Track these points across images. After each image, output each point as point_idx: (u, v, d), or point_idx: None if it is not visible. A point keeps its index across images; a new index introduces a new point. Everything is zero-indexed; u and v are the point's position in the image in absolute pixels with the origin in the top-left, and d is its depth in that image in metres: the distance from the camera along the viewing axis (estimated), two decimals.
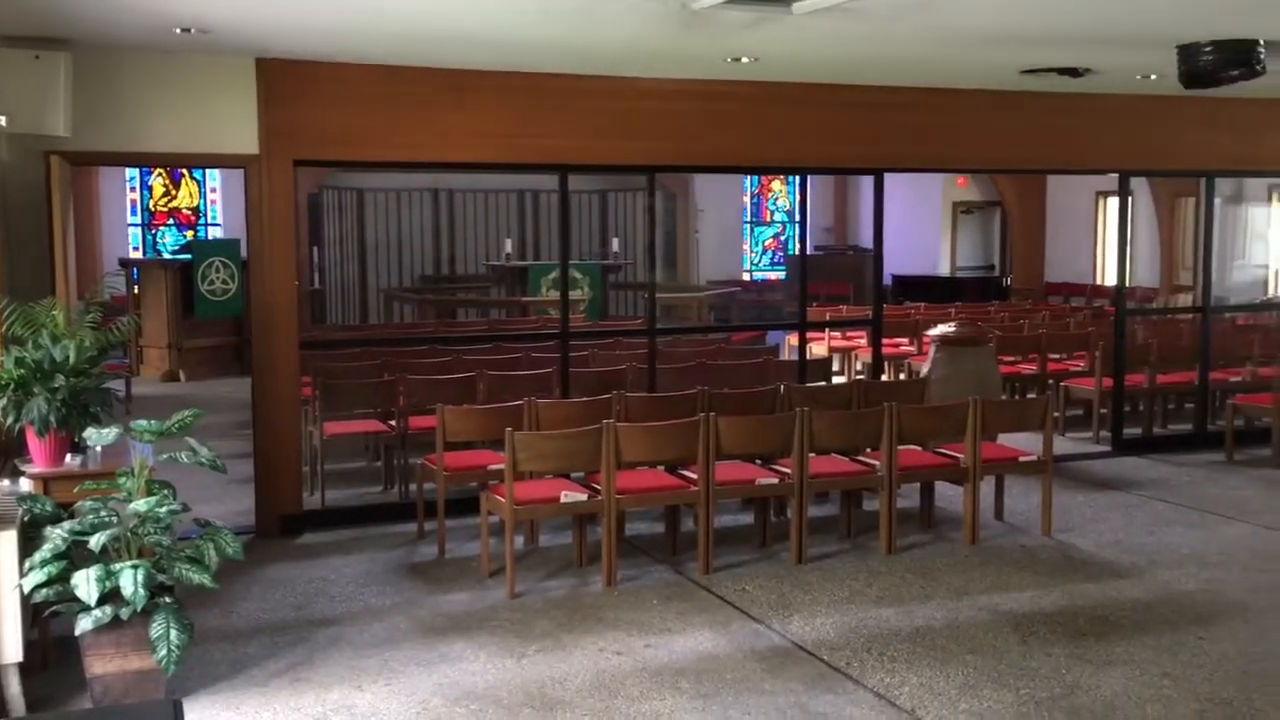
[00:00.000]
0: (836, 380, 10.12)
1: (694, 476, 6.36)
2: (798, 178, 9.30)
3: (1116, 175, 9.49)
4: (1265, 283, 14.83)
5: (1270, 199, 14.75)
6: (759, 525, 6.86)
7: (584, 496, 6.13)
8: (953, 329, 9.19)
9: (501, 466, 6.08)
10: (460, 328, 12.99)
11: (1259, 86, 7.78)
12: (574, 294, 13.75)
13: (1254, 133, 9.38)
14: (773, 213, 21.03)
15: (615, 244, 16.69)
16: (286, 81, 6.96)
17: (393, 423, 7.89)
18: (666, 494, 6.41)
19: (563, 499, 6.10)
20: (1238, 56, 6.45)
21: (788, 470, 6.54)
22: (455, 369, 8.32)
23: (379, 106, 7.18)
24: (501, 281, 15.72)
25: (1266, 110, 9.26)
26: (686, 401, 7.12)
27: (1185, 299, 14.33)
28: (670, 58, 7.02)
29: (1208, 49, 6.46)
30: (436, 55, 6.92)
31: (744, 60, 7.08)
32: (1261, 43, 6.42)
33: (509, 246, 16.03)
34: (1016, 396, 10.21)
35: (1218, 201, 10.56)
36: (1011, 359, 10.92)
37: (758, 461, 6.91)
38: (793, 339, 9.57)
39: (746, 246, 20.71)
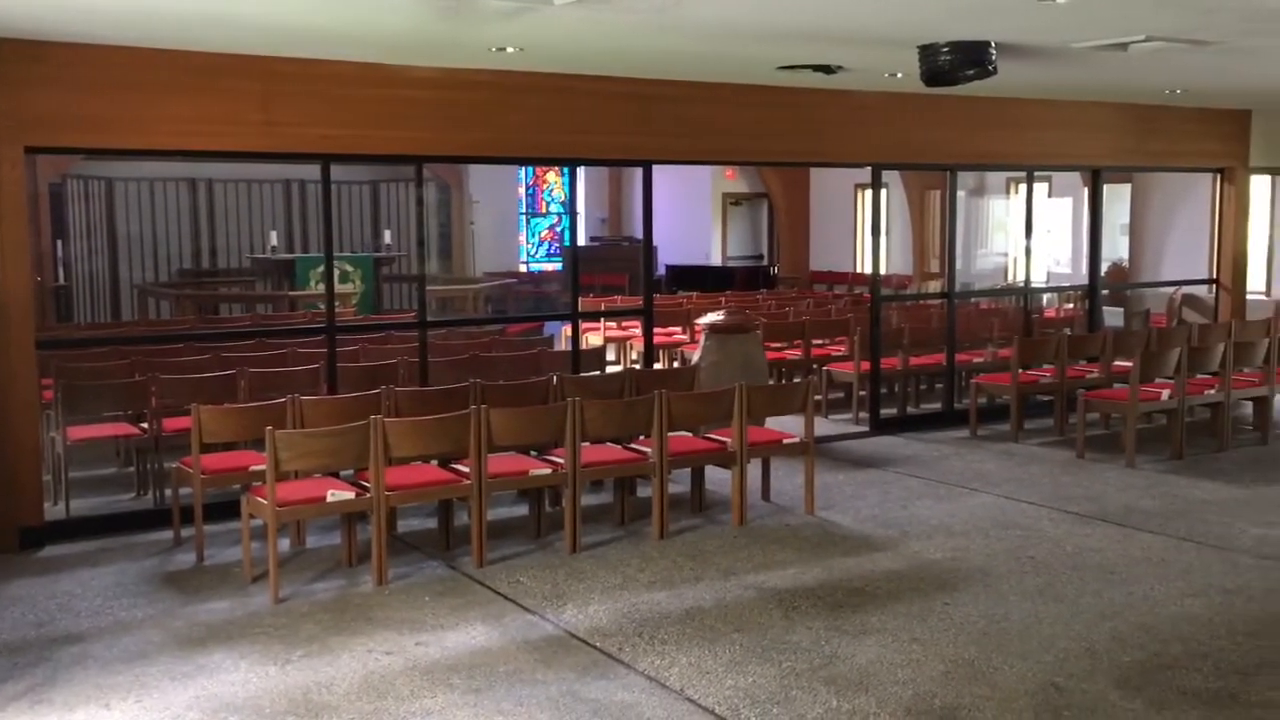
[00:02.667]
0: (612, 369, 10.22)
1: (467, 470, 6.30)
2: (570, 169, 9.31)
3: (870, 168, 9.97)
4: (1005, 269, 15.93)
5: (1009, 191, 15.84)
6: (534, 516, 6.86)
7: (352, 494, 5.97)
8: (721, 317, 9.45)
9: (264, 467, 5.85)
10: (221, 323, 12.40)
11: (994, 85, 8.34)
12: (345, 287, 13.42)
13: (991, 129, 10.04)
14: (548, 204, 21.08)
15: (388, 235, 16.35)
16: (16, 62, 6.45)
17: (144, 425, 7.47)
18: (438, 489, 6.32)
19: (329, 498, 5.92)
20: (972, 57, 6.89)
21: (561, 460, 6.57)
22: (214, 367, 7.95)
23: (124, 91, 6.76)
24: (267, 275, 15.12)
25: (1001, 108, 9.93)
26: (458, 394, 7.05)
27: (936, 286, 15.24)
28: (435, 46, 6.90)
29: (945, 50, 6.87)
30: (189, 38, 6.56)
31: (509, 50, 7.04)
32: (993, 44, 6.88)
33: (274, 239, 15.44)
34: (783, 381, 10.60)
35: (961, 194, 11.25)
36: (778, 345, 11.32)
37: (532, 453, 6.92)
38: (569, 330, 9.62)
39: (523, 238, 20.69)
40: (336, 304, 8.17)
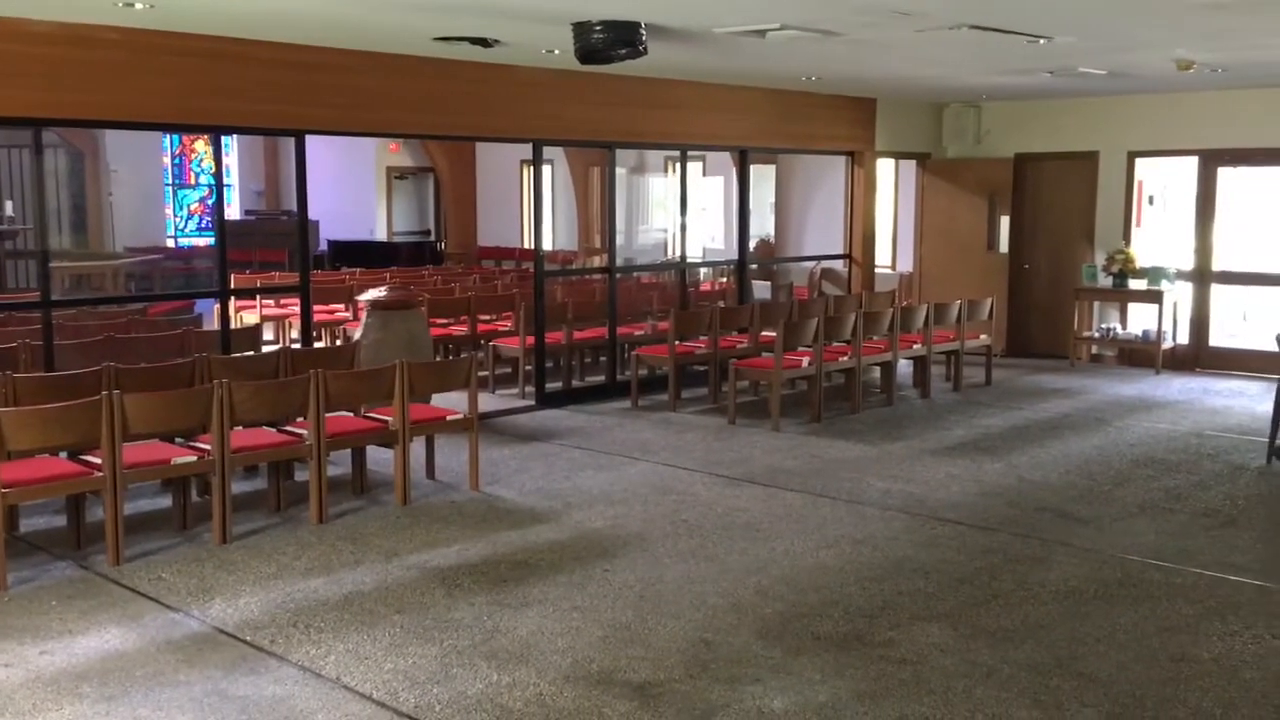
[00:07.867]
0: (270, 349, 9.75)
1: (100, 461, 5.80)
2: (216, 138, 8.76)
3: (532, 144, 10.02)
4: (665, 245, 16.55)
5: (666, 170, 16.45)
6: (178, 507, 6.43)
7: None
8: (384, 293, 9.23)
9: None
10: None
11: (650, 66, 8.60)
12: None
13: (648, 109, 10.36)
14: (197, 175, 19.81)
15: (9, 207, 14.81)
16: None
17: None
18: (65, 483, 5.77)
19: None
20: (623, 36, 7.06)
21: (208, 446, 6.19)
22: None
23: None
24: None
25: (658, 88, 10.26)
26: (89, 380, 6.48)
27: (599, 261, 15.61)
28: None
29: (598, 28, 7.00)
30: None
31: (138, 6, 6.51)
32: (643, 25, 7.07)
33: None
34: (449, 357, 10.51)
35: (622, 172, 11.56)
36: (444, 321, 11.22)
37: (177, 440, 6.48)
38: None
39: (169, 211, 19.33)
40: None
